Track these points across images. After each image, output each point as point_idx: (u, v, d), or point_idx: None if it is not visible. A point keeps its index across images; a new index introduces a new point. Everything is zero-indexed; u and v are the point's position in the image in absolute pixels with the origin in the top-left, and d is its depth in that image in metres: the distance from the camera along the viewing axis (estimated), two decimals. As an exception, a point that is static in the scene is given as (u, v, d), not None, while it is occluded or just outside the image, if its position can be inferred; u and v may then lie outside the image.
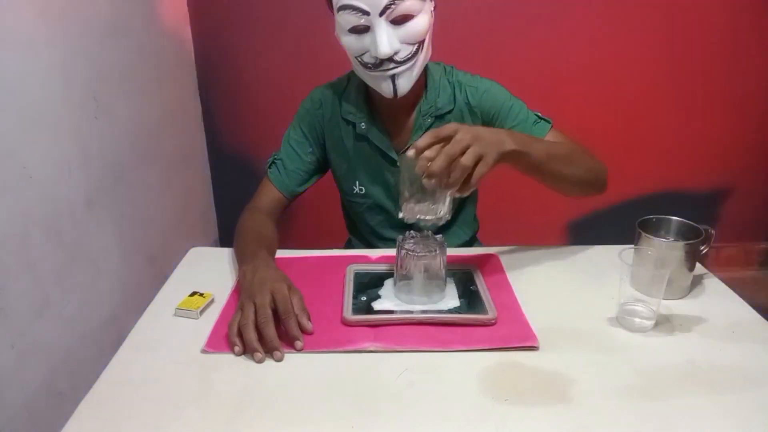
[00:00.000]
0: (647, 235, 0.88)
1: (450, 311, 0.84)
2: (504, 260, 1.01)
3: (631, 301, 0.83)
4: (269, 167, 1.13)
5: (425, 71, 1.07)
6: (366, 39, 0.94)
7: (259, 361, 0.75)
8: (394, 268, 0.90)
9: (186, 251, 1.07)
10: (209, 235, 2.06)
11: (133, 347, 0.80)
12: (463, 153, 0.75)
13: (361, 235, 1.23)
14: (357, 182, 1.14)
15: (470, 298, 0.88)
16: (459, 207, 1.19)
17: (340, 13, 0.94)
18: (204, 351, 0.78)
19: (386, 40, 0.92)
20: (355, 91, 1.09)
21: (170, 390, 0.71)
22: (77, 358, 1.17)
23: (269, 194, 1.11)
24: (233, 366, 0.75)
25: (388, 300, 0.88)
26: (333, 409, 0.67)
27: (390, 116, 1.09)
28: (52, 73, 1.09)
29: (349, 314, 0.83)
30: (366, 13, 0.91)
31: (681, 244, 0.88)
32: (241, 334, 0.77)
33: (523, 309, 0.86)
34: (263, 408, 0.67)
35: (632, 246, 0.88)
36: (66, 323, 1.13)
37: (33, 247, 1.03)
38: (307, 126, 1.12)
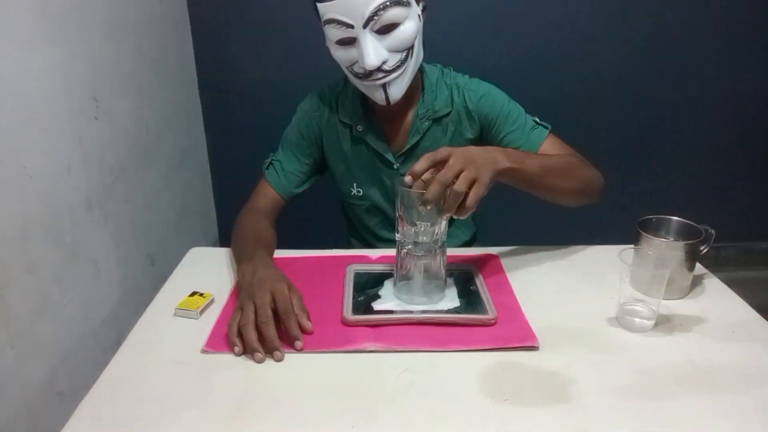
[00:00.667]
0: (647, 235, 0.88)
1: (450, 311, 0.84)
2: (504, 260, 1.01)
3: (631, 301, 0.83)
4: (267, 168, 1.13)
5: (421, 74, 1.07)
6: (353, 51, 0.94)
7: (259, 361, 0.75)
8: (394, 269, 0.90)
9: (186, 251, 1.07)
10: (209, 235, 2.06)
11: (133, 347, 0.80)
12: (456, 177, 0.76)
13: (360, 236, 1.23)
14: (355, 184, 1.14)
15: (470, 298, 0.88)
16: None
17: (327, 26, 0.95)
18: (204, 351, 0.78)
19: (372, 51, 0.92)
20: (352, 93, 1.09)
21: (170, 390, 0.71)
22: (77, 358, 1.17)
23: (267, 195, 1.11)
24: (233, 366, 0.75)
25: (387, 300, 0.87)
26: (333, 409, 0.67)
27: (387, 119, 1.09)
28: (51, 73, 1.09)
29: (349, 314, 0.83)
30: (350, 26, 0.91)
31: (681, 244, 0.88)
32: (241, 334, 0.77)
33: (523, 309, 0.86)
34: (263, 408, 0.67)
35: (632, 246, 0.88)
36: (66, 323, 1.13)
37: (33, 247, 1.03)
38: (305, 128, 1.12)
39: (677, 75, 1.94)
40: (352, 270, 0.95)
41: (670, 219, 0.93)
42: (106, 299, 1.29)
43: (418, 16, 0.96)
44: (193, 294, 0.89)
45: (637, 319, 0.82)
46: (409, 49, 0.96)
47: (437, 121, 1.08)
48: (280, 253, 1.02)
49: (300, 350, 0.77)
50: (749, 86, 1.97)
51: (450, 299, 0.87)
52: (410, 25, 0.94)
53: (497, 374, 0.73)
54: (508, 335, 0.79)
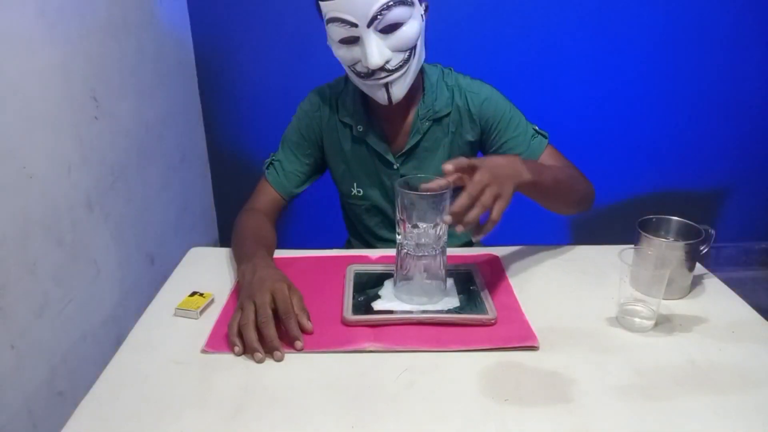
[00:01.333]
0: (647, 235, 0.88)
1: (450, 311, 0.84)
2: (504, 260, 1.01)
3: (631, 301, 0.83)
4: (267, 168, 1.13)
5: (422, 74, 1.07)
6: (356, 50, 0.94)
7: (259, 361, 0.75)
8: (394, 269, 0.90)
9: (186, 251, 1.07)
10: (209, 235, 2.06)
11: (133, 347, 0.80)
12: (482, 192, 0.79)
13: (360, 236, 1.23)
14: (355, 184, 1.14)
15: (470, 298, 0.88)
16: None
17: (330, 25, 0.94)
18: (204, 351, 0.78)
19: (376, 50, 0.92)
20: (352, 93, 1.09)
21: (170, 390, 0.71)
22: (77, 358, 1.17)
23: (267, 195, 1.11)
24: (233, 366, 0.75)
25: (387, 300, 0.87)
26: (333, 409, 0.67)
27: (387, 119, 1.09)
28: (51, 73, 1.09)
29: (349, 314, 0.83)
30: (354, 24, 0.91)
31: (681, 244, 0.88)
32: (241, 334, 0.77)
33: (523, 309, 0.86)
34: (263, 408, 0.67)
35: (632, 246, 0.88)
36: (66, 323, 1.13)
37: (33, 247, 1.03)
38: (305, 127, 1.12)
39: (677, 75, 1.94)
40: (352, 270, 0.95)
41: (670, 219, 0.93)
42: (106, 299, 1.29)
43: (421, 16, 0.96)
44: (193, 294, 0.89)
45: (637, 319, 0.82)
46: (412, 49, 0.96)
47: (437, 121, 1.08)
48: (280, 253, 1.02)
49: (300, 350, 0.77)
50: (749, 86, 1.97)
51: (450, 299, 0.87)
52: (413, 24, 0.94)
53: (497, 374, 0.73)
54: (508, 335, 0.79)
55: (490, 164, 0.82)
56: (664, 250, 0.87)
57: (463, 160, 0.81)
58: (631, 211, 2.09)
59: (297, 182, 1.13)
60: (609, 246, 1.03)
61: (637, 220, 0.91)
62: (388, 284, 0.92)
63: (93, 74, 1.23)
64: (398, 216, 0.84)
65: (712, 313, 0.86)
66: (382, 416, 0.66)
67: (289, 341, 0.77)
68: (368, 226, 1.19)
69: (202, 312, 0.86)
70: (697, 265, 0.92)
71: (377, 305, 0.86)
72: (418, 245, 0.84)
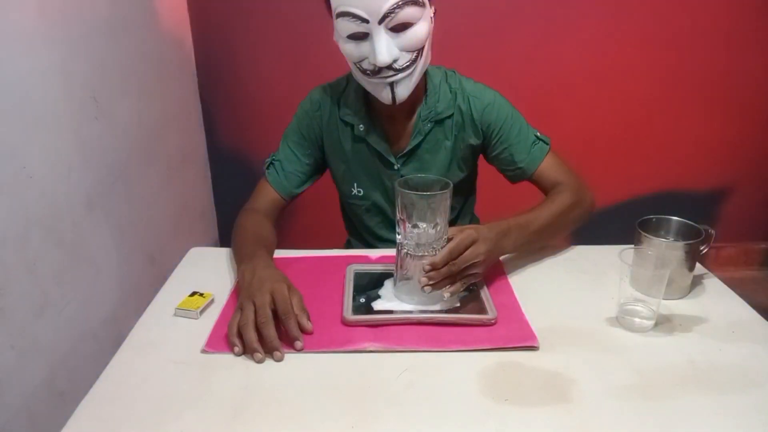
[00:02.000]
0: (647, 235, 0.88)
1: (450, 311, 0.84)
2: (504, 260, 1.01)
3: (631, 301, 0.83)
4: (267, 168, 1.13)
5: (425, 76, 1.07)
6: (365, 46, 0.94)
7: (259, 361, 0.75)
8: (395, 269, 0.90)
9: (186, 251, 1.07)
10: (209, 235, 2.06)
11: (133, 347, 0.80)
12: (469, 264, 0.84)
13: (360, 236, 1.23)
14: (355, 184, 1.14)
15: (470, 298, 0.88)
16: (458, 208, 1.20)
17: (339, 19, 0.93)
18: (204, 351, 0.78)
19: (385, 48, 0.91)
20: (354, 93, 1.08)
21: (170, 390, 0.71)
22: (77, 358, 1.17)
23: (267, 195, 1.11)
24: (233, 366, 0.75)
25: (387, 300, 0.87)
26: (333, 409, 0.67)
27: (389, 119, 1.08)
28: (52, 73, 1.09)
29: (349, 314, 0.83)
30: (365, 20, 0.90)
31: (681, 244, 0.88)
32: (240, 335, 0.77)
33: (523, 309, 0.86)
34: (263, 408, 0.67)
35: (632, 246, 0.88)
36: (66, 323, 1.13)
37: (33, 247, 1.03)
38: (306, 127, 1.12)
39: (678, 75, 1.95)
40: (352, 270, 0.95)
41: (670, 219, 0.93)
42: (106, 299, 1.29)
43: (431, 18, 0.96)
44: (193, 294, 0.89)
45: (637, 319, 0.82)
46: (420, 50, 0.95)
47: (439, 123, 1.07)
48: (280, 253, 1.02)
49: (300, 350, 0.77)
50: (749, 86, 1.97)
51: (450, 299, 0.87)
52: (423, 25, 0.94)
53: (497, 374, 0.73)
54: (508, 335, 0.79)
55: (484, 249, 0.86)
56: (664, 250, 0.87)
57: (452, 249, 0.83)
58: (631, 211, 2.09)
59: (297, 182, 1.12)
60: (609, 246, 1.03)
61: (637, 220, 0.91)
62: (388, 284, 0.92)
63: (93, 74, 1.23)
64: (398, 216, 0.84)
65: (712, 313, 0.86)
66: (382, 416, 0.66)
67: (288, 341, 0.77)
68: (368, 226, 1.19)
69: (202, 312, 0.86)
70: (697, 265, 0.92)
71: (377, 305, 0.86)
72: (418, 245, 0.84)
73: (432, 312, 0.84)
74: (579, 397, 0.69)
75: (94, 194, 1.23)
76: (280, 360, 0.75)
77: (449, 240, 0.84)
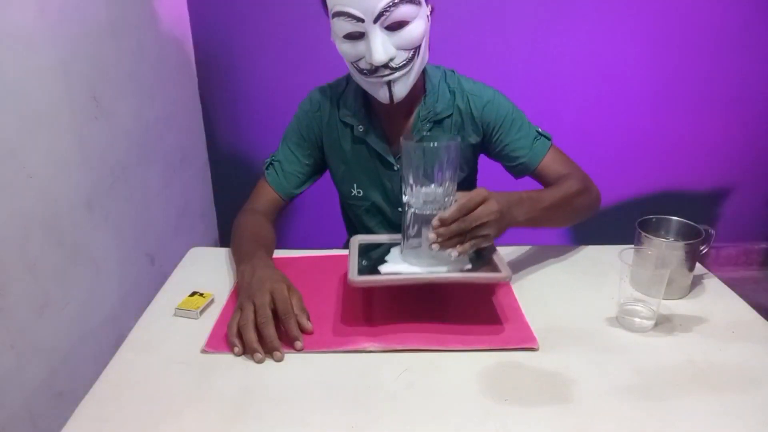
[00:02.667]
0: (647, 235, 0.88)
1: (461, 272, 0.81)
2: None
3: (631, 301, 0.83)
4: (266, 168, 1.13)
5: (424, 75, 1.07)
6: (361, 45, 0.94)
7: (259, 362, 0.75)
8: (401, 233, 0.85)
9: (186, 251, 1.07)
10: (209, 235, 2.06)
11: (133, 347, 0.80)
12: (475, 221, 0.79)
13: (361, 236, 1.23)
14: (355, 185, 1.14)
15: (482, 262, 0.84)
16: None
17: (335, 19, 0.93)
18: (204, 351, 0.78)
19: (381, 47, 0.91)
20: (353, 93, 1.08)
21: (170, 390, 0.71)
22: (77, 358, 1.17)
23: (266, 196, 1.11)
24: (233, 366, 0.75)
25: (395, 264, 0.85)
26: (333, 409, 0.67)
27: (388, 120, 1.08)
28: (52, 73, 1.09)
29: (354, 276, 0.79)
30: (360, 20, 0.91)
31: (681, 244, 0.88)
32: (240, 335, 0.77)
33: (523, 309, 0.86)
34: (263, 408, 0.67)
35: (632, 246, 0.88)
36: (66, 323, 1.13)
37: (33, 247, 1.03)
38: (305, 128, 1.12)
39: (678, 75, 1.95)
40: (356, 241, 0.92)
41: (670, 219, 0.93)
42: (106, 299, 1.29)
43: (427, 17, 0.96)
44: (193, 294, 0.89)
45: (637, 319, 0.82)
46: (416, 49, 0.95)
47: (438, 123, 1.07)
48: (280, 253, 1.02)
49: (300, 350, 0.77)
50: (749, 86, 1.97)
51: (461, 261, 0.82)
52: (419, 24, 0.94)
53: (497, 374, 0.73)
54: (507, 336, 0.79)
55: (495, 209, 0.81)
56: (664, 250, 0.87)
57: (462, 206, 0.79)
58: (631, 211, 2.09)
59: (296, 183, 1.12)
60: (609, 246, 1.03)
61: (637, 220, 0.91)
62: (394, 251, 0.89)
63: (93, 74, 1.23)
64: (404, 174, 0.81)
65: (712, 313, 0.86)
66: (382, 416, 0.66)
67: (288, 341, 0.77)
68: (368, 227, 1.19)
69: (202, 312, 0.86)
70: (697, 265, 0.92)
71: (384, 269, 0.83)
72: (425, 203, 0.80)
73: (443, 273, 0.80)
74: (579, 397, 0.69)
75: (94, 194, 1.23)
76: (280, 360, 0.75)
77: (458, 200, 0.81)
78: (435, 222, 0.79)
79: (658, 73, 1.94)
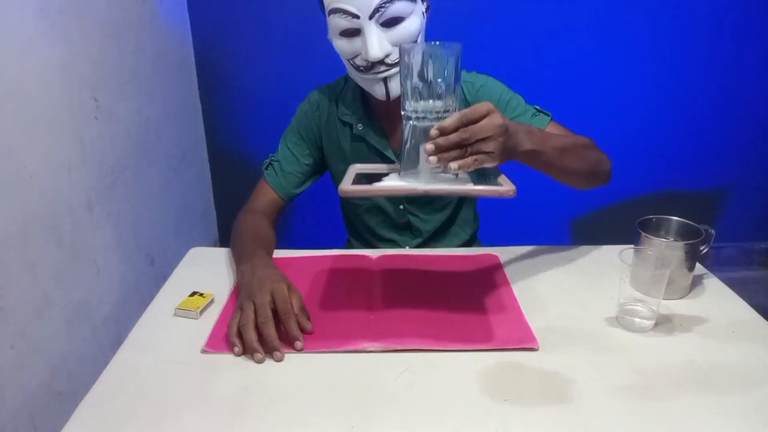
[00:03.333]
0: (647, 235, 0.88)
1: (462, 185, 0.75)
2: (504, 260, 1.01)
3: (631, 301, 0.83)
4: (266, 168, 1.13)
5: None
6: (357, 42, 0.94)
7: (259, 362, 0.75)
8: (400, 152, 0.80)
9: (186, 251, 1.07)
10: (209, 235, 2.06)
11: (133, 347, 0.80)
12: (476, 141, 0.71)
13: (360, 236, 1.23)
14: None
15: (484, 177, 0.78)
16: (458, 206, 1.19)
17: (331, 16, 0.94)
18: (204, 351, 0.78)
19: (377, 43, 0.92)
20: (351, 92, 1.09)
21: (170, 390, 0.71)
22: (77, 358, 1.17)
23: (266, 196, 1.11)
24: (233, 366, 0.75)
25: (392, 182, 0.78)
26: (333, 409, 0.67)
27: (386, 117, 1.09)
28: (51, 73, 1.09)
29: (347, 185, 0.74)
30: (356, 16, 0.91)
31: (681, 244, 0.88)
32: (240, 335, 0.77)
33: (523, 309, 0.86)
34: (263, 408, 0.67)
35: (632, 246, 0.88)
36: (66, 323, 1.13)
37: (33, 247, 1.03)
38: (305, 128, 1.12)
39: (678, 75, 1.94)
40: (353, 169, 0.86)
41: (670, 219, 0.93)
42: (106, 299, 1.29)
43: (423, 13, 0.97)
44: (193, 294, 0.89)
45: (637, 319, 0.82)
46: None
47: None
48: (280, 253, 1.02)
49: (300, 350, 0.77)
50: (749, 86, 1.97)
51: (461, 182, 0.76)
52: (414, 20, 0.94)
53: (497, 374, 0.73)
54: (507, 336, 0.79)
55: (499, 123, 0.71)
56: (664, 250, 0.87)
57: (464, 114, 0.70)
58: (631, 211, 2.09)
59: (296, 183, 1.12)
60: (609, 246, 1.03)
61: (637, 220, 0.91)
62: (392, 175, 0.81)
63: (93, 74, 1.23)
64: (402, 84, 0.75)
65: (712, 313, 0.86)
66: (382, 416, 0.66)
67: (288, 341, 0.77)
68: (368, 226, 1.19)
69: (202, 312, 0.86)
70: (697, 265, 0.92)
71: (379, 186, 0.77)
72: (425, 112, 0.74)
73: (441, 184, 0.74)
74: (579, 397, 0.69)
75: (94, 194, 1.23)
76: (280, 360, 0.75)
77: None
78: (433, 131, 0.70)
79: (658, 72, 1.94)
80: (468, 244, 1.22)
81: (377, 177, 0.80)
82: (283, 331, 0.78)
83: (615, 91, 1.96)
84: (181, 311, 0.86)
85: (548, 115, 1.08)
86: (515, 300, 0.88)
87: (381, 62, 0.94)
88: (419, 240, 1.19)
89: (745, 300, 0.90)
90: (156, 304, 0.90)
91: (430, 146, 0.70)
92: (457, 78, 0.74)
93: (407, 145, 0.76)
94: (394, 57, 0.94)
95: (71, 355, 1.15)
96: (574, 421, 0.65)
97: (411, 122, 0.75)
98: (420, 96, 0.74)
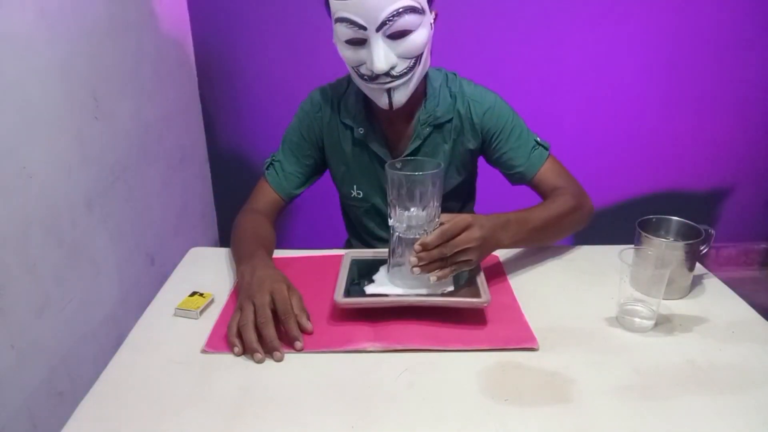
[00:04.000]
0: (647, 235, 0.88)
1: (443, 295, 0.84)
2: (504, 260, 1.01)
3: (631, 301, 0.83)
4: (267, 168, 1.13)
5: (425, 78, 1.07)
6: (362, 52, 0.93)
7: (259, 362, 0.75)
8: (388, 254, 0.89)
9: (186, 251, 1.07)
10: (209, 235, 2.06)
11: (133, 347, 0.80)
12: (462, 248, 0.82)
13: (360, 236, 1.23)
14: (355, 186, 1.13)
15: (465, 284, 0.87)
16: (459, 210, 1.20)
17: (338, 24, 0.93)
18: (204, 351, 0.78)
19: (383, 55, 0.91)
20: (354, 95, 1.08)
21: (170, 390, 0.71)
22: (77, 358, 1.17)
23: (266, 196, 1.11)
24: (233, 366, 0.75)
25: (380, 285, 0.87)
26: (333, 409, 0.67)
27: (389, 123, 1.08)
28: (52, 73, 1.09)
29: (340, 297, 0.82)
30: (363, 27, 0.90)
31: (681, 244, 0.88)
32: (240, 335, 0.77)
33: (523, 309, 0.85)
34: (263, 408, 0.67)
35: (632, 246, 0.88)
36: (66, 323, 1.13)
37: (33, 247, 1.03)
38: (306, 128, 1.12)
39: (678, 75, 1.95)
40: (349, 257, 0.95)
41: (670, 219, 0.93)
42: (106, 299, 1.29)
43: (431, 24, 0.96)
44: (193, 294, 0.89)
45: (637, 319, 0.82)
46: (418, 57, 0.95)
47: (438, 127, 1.07)
48: (280, 253, 1.02)
49: (300, 350, 0.77)
50: (749, 86, 1.97)
51: (444, 284, 0.86)
52: (422, 33, 0.93)
53: (497, 374, 0.73)
54: (507, 336, 0.79)
55: (478, 235, 0.83)
56: (664, 250, 0.87)
57: (444, 231, 0.81)
58: (631, 211, 2.09)
59: (296, 183, 1.12)
60: (609, 246, 1.03)
61: (637, 220, 0.91)
62: (382, 270, 0.92)
63: (93, 74, 1.23)
64: (389, 198, 0.84)
65: (712, 313, 0.86)
66: (382, 416, 0.66)
67: (288, 341, 0.77)
68: (368, 228, 1.19)
69: (202, 312, 0.86)
70: (697, 265, 0.92)
71: (369, 289, 0.86)
72: (409, 227, 0.83)
73: (425, 296, 0.83)
74: (579, 397, 0.69)
75: (94, 194, 1.23)
76: (280, 360, 0.75)
77: (443, 224, 0.83)
78: (417, 247, 0.81)
79: (658, 73, 1.94)
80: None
81: (371, 263, 0.94)
82: (283, 331, 0.78)
83: (615, 91, 1.96)
84: (181, 311, 0.86)
85: (547, 149, 1.09)
86: (515, 300, 0.88)
87: (386, 74, 0.93)
88: (419, 240, 1.19)
89: (745, 300, 0.90)
90: (156, 304, 0.90)
91: (413, 260, 0.81)
92: (439, 196, 0.83)
93: (394, 252, 0.86)
94: (399, 69, 0.94)
95: (71, 355, 1.15)
96: (574, 421, 0.65)
97: (397, 234, 0.85)
98: (404, 210, 0.83)
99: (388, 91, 0.96)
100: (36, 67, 1.04)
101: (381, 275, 0.90)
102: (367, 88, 0.98)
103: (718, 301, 0.90)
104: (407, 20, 0.91)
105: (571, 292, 0.92)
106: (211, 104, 1.96)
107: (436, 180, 0.81)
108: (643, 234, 0.88)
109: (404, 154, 1.08)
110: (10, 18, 0.98)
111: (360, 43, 0.93)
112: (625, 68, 1.93)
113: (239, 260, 0.92)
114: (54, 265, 1.09)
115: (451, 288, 0.86)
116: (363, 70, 0.95)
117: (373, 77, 0.94)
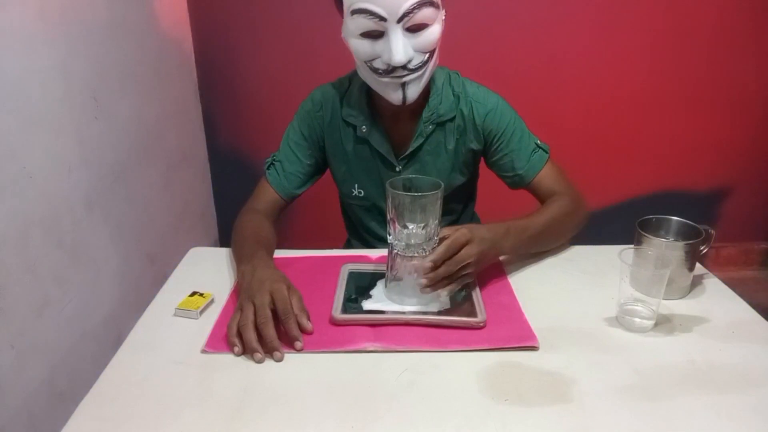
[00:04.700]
0: (647, 235, 0.88)
1: (441, 313, 0.84)
2: (504, 260, 1.01)
3: (631, 301, 0.83)
4: (267, 168, 1.12)
5: None
6: (379, 45, 0.93)
7: (259, 362, 0.75)
8: (386, 269, 0.89)
9: (186, 251, 1.07)
10: (209, 235, 2.06)
11: (133, 347, 0.80)
12: (464, 264, 0.85)
13: (360, 236, 1.23)
14: (356, 185, 1.13)
15: (461, 301, 0.87)
16: (460, 212, 1.20)
17: (354, 16, 0.92)
18: (204, 351, 0.78)
19: (402, 47, 0.91)
20: (356, 93, 1.08)
21: (170, 390, 0.71)
22: (77, 358, 1.17)
23: (267, 196, 1.11)
24: (233, 366, 0.75)
25: (378, 300, 0.87)
26: (333, 409, 0.67)
27: (391, 120, 1.08)
28: (52, 73, 1.09)
29: (337, 313, 0.83)
30: (383, 18, 0.90)
31: (681, 244, 0.88)
32: (240, 335, 0.77)
33: (523, 309, 0.86)
34: (263, 408, 0.67)
35: (632, 246, 0.88)
36: (66, 323, 1.13)
37: (33, 247, 1.03)
38: (307, 128, 1.11)
39: (678, 75, 1.95)
40: (346, 269, 0.95)
41: (670, 219, 0.93)
42: (106, 299, 1.29)
43: (442, 21, 0.96)
44: (193, 294, 0.89)
45: (637, 319, 0.82)
46: (432, 52, 0.95)
47: (441, 125, 1.07)
48: (280, 253, 1.02)
49: (300, 350, 0.77)
50: (749, 86, 1.97)
51: (441, 300, 0.87)
52: (437, 27, 0.94)
53: (497, 374, 0.73)
54: (508, 335, 0.79)
55: (479, 248, 0.86)
56: (664, 250, 0.87)
57: (448, 247, 0.84)
58: (631, 211, 2.09)
59: (297, 183, 1.12)
60: (609, 246, 1.03)
61: (637, 220, 0.91)
62: (380, 284, 0.92)
63: (93, 74, 1.23)
64: (388, 216, 0.84)
65: (712, 313, 0.86)
66: (382, 416, 0.66)
67: (288, 341, 0.77)
68: (368, 227, 1.19)
69: (202, 312, 0.86)
70: (697, 265, 0.92)
71: (367, 305, 0.86)
72: (408, 246, 0.84)
73: (422, 313, 0.84)
74: (579, 397, 0.69)
75: (94, 194, 1.23)
76: (279, 360, 0.75)
77: (442, 239, 0.84)
78: (427, 266, 0.83)
79: (658, 73, 1.94)
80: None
81: (368, 277, 0.94)
82: (283, 331, 0.78)
83: (616, 91, 1.96)
84: (181, 311, 0.86)
85: (546, 152, 1.09)
86: (515, 299, 0.88)
87: (403, 67, 0.93)
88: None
89: (745, 300, 0.90)
90: (156, 304, 0.90)
91: (424, 281, 0.83)
92: (438, 215, 0.84)
93: (392, 269, 0.87)
94: (415, 62, 0.94)
95: (71, 355, 1.15)
96: (574, 421, 0.65)
97: (396, 251, 0.85)
98: (403, 228, 0.83)
99: (403, 85, 0.96)
100: (36, 67, 1.04)
101: (378, 290, 0.90)
102: (380, 83, 0.98)
103: (718, 301, 0.90)
104: (425, 14, 0.91)
105: (571, 292, 0.92)
106: (211, 104, 1.96)
107: (436, 200, 0.82)
108: (643, 234, 0.88)
109: (407, 153, 1.08)
110: (10, 18, 0.98)
111: (377, 35, 0.93)
112: (625, 68, 1.93)
113: (239, 260, 0.92)
114: (54, 265, 1.09)
115: (448, 305, 0.86)
116: (377, 63, 0.95)
117: (389, 70, 0.94)
